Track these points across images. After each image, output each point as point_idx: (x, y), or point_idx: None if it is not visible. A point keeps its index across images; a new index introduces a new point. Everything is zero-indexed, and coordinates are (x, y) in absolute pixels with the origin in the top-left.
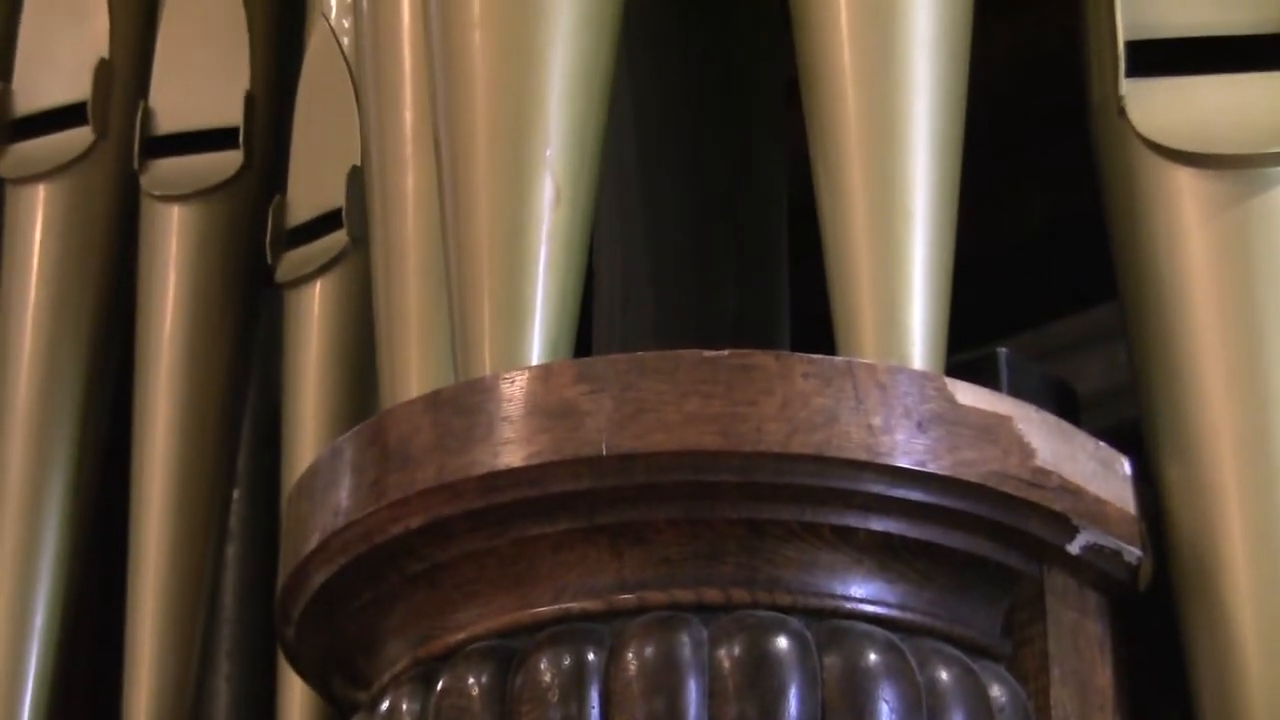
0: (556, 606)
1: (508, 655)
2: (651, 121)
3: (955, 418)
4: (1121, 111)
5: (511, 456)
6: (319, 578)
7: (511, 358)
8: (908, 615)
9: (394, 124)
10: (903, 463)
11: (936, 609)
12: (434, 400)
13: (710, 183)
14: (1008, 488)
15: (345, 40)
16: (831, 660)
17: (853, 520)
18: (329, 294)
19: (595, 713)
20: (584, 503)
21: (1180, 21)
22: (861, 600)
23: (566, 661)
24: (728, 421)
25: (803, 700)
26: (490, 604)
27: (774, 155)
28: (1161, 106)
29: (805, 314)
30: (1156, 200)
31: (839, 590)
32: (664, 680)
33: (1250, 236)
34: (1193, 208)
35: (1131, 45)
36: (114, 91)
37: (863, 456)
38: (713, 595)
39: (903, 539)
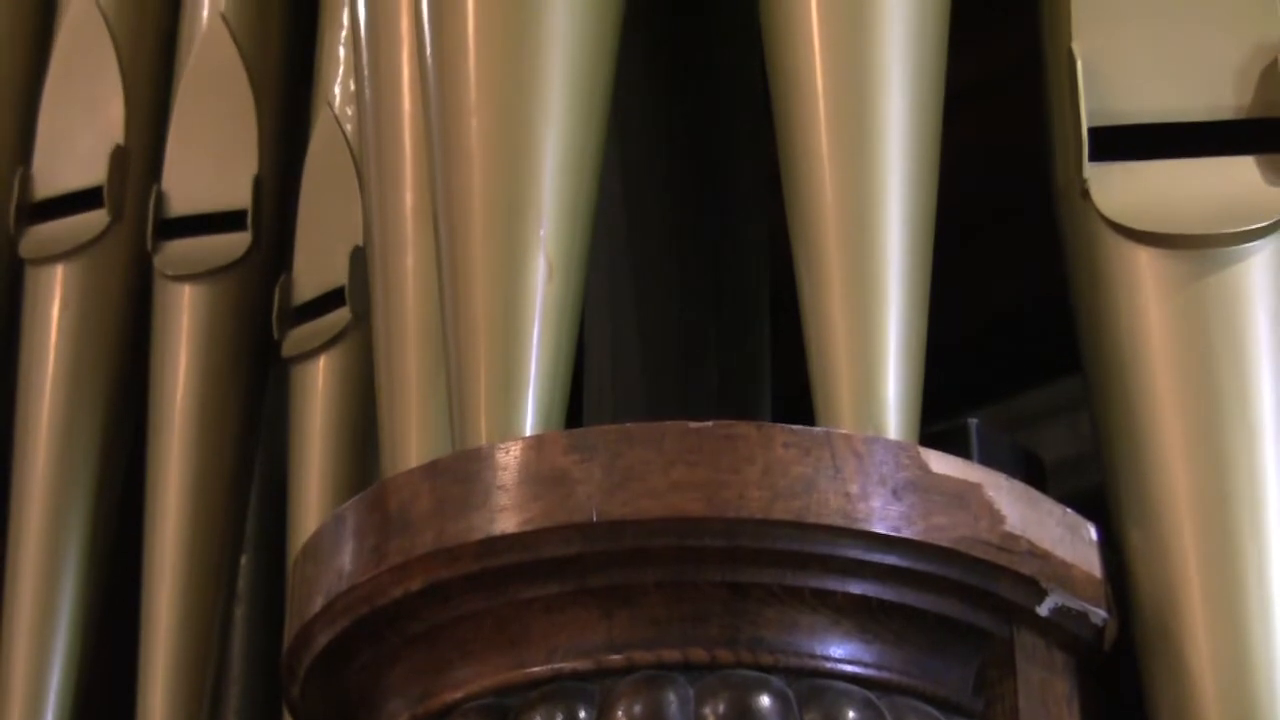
0: (549, 666)
1: (503, 713)
2: (640, 202)
3: (928, 485)
4: (1085, 194)
5: (506, 523)
6: (323, 638)
7: (506, 428)
8: (884, 674)
9: (395, 205)
10: (879, 528)
11: (911, 668)
12: (433, 469)
13: (696, 262)
14: (979, 552)
15: (348, 127)
16: (812, 717)
17: (831, 583)
18: (333, 368)
19: None
20: (575, 566)
21: (1140, 109)
22: (840, 660)
23: (559, 718)
24: (712, 489)
25: None
26: (486, 663)
27: (756, 235)
28: (1122, 189)
29: (786, 386)
30: (1118, 278)
31: (818, 650)
32: None
33: (1207, 312)
34: (1152, 285)
35: (1094, 131)
36: (129, 176)
37: (840, 522)
38: (698, 655)
39: (879, 601)
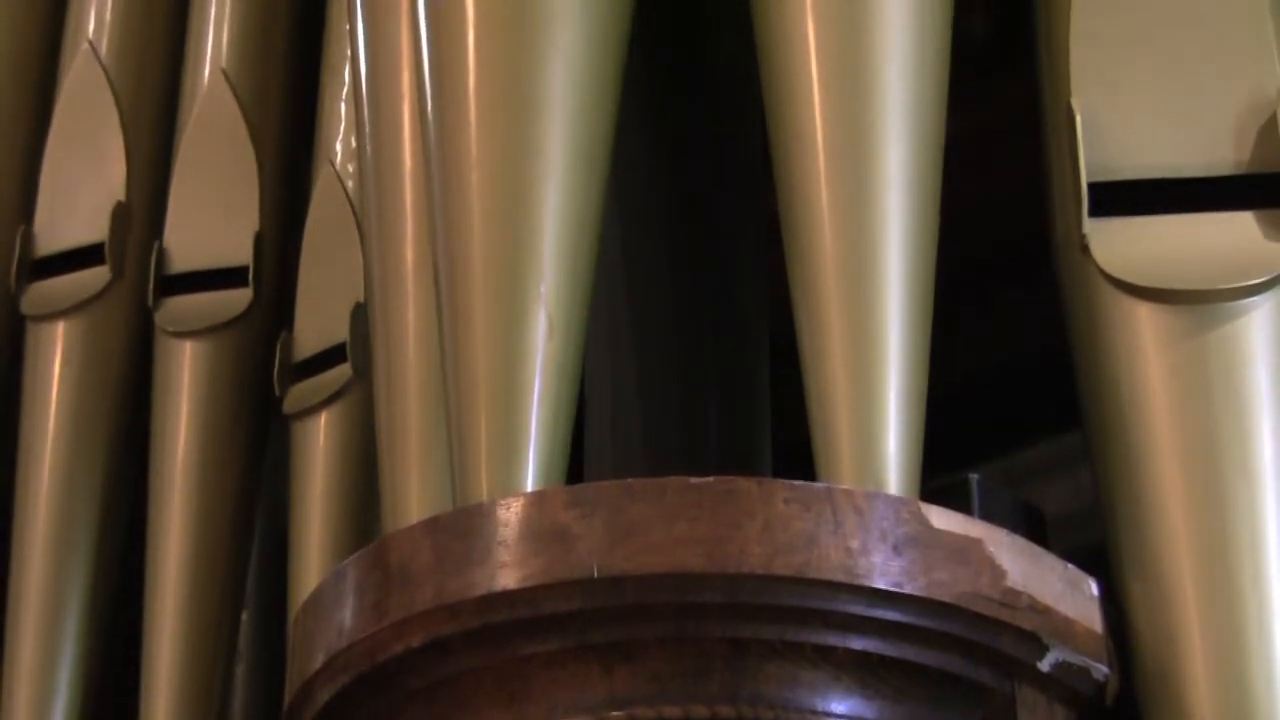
0: None
1: None
2: (640, 256)
3: (929, 540)
4: (1085, 249)
5: (507, 579)
6: (324, 694)
7: (507, 484)
8: None
9: (396, 262)
10: (880, 584)
11: None
12: (433, 525)
13: (696, 316)
14: (980, 607)
15: (349, 183)
16: None
17: (832, 639)
18: (334, 424)
19: None
20: (576, 622)
21: (1139, 164)
22: (841, 715)
23: None
24: (712, 544)
25: None
26: (487, 719)
27: (756, 289)
28: (1122, 244)
29: (786, 441)
30: (1118, 333)
31: (819, 705)
32: None
33: (1207, 367)
34: (1152, 340)
35: (1094, 186)
36: (130, 233)
37: (841, 578)
38: (699, 711)
39: (880, 657)
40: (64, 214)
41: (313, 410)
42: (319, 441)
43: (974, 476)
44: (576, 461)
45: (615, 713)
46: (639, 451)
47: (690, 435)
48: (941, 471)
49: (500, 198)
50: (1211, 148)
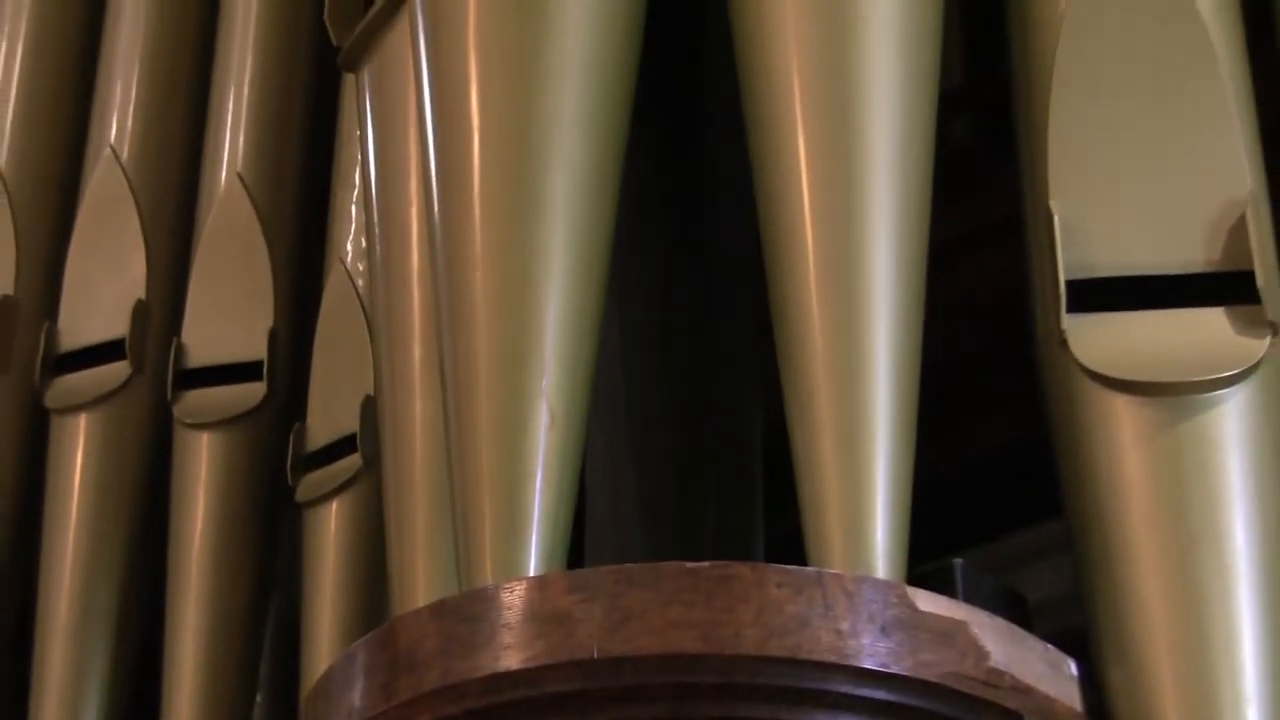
0: None
1: None
2: (638, 352)
3: (916, 623)
4: (1063, 344)
5: (511, 660)
6: None
7: (511, 569)
8: None
9: (404, 357)
10: (868, 664)
11: None
12: (440, 608)
13: (692, 411)
14: (964, 687)
15: (360, 282)
16: None
17: (823, 717)
18: (345, 512)
19: None
20: (577, 702)
21: (1115, 262)
22: None
23: None
24: (708, 627)
25: None
26: None
27: (749, 385)
28: (1099, 339)
29: (778, 528)
30: (1096, 424)
31: None
32: None
33: (1182, 456)
34: (1129, 431)
35: (1071, 284)
36: (150, 329)
37: (832, 659)
38: None
39: None
40: (86, 311)
41: (324, 499)
42: (330, 529)
43: (958, 562)
44: (577, 547)
45: None
46: (637, 538)
47: (686, 523)
48: (927, 558)
49: (503, 297)
50: (1184, 247)
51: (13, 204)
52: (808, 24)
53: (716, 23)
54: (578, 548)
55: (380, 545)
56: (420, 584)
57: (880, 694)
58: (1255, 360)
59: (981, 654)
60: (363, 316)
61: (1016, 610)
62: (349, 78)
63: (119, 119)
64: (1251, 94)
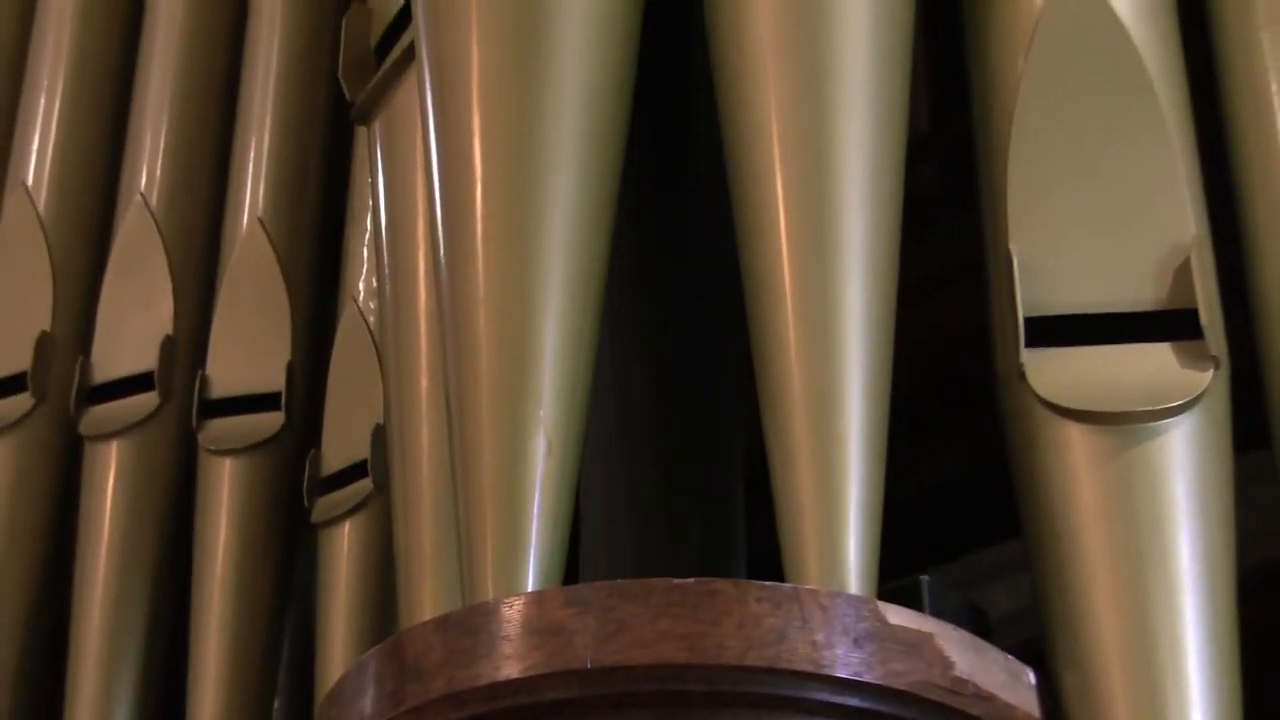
0: None
1: None
2: (630, 386)
3: (886, 635)
4: (1022, 376)
5: (511, 669)
6: None
7: (510, 586)
8: None
9: (412, 388)
10: (842, 673)
11: None
12: (444, 622)
13: (678, 440)
14: (931, 694)
15: (371, 318)
16: None
17: None
18: (356, 533)
19: None
20: (573, 709)
21: (1070, 301)
22: None
23: None
24: (694, 639)
25: None
26: None
27: (731, 414)
28: (1055, 372)
29: (759, 548)
30: (1052, 451)
31: None
32: None
33: (1131, 481)
34: (1083, 457)
35: (1030, 320)
36: (176, 362)
37: (808, 668)
38: None
39: None
40: (118, 346)
41: (338, 520)
42: (343, 548)
43: (925, 579)
44: (572, 564)
45: None
46: (628, 557)
47: (673, 543)
48: (896, 575)
49: (504, 333)
50: (1134, 287)
51: (50, 246)
52: (785, 70)
53: (703, 72)
54: (573, 566)
55: (389, 563)
56: (426, 599)
57: (854, 701)
58: (1199, 392)
59: (947, 664)
60: (374, 351)
61: (979, 624)
62: (361, 130)
63: (148, 167)
64: (1195, 147)
